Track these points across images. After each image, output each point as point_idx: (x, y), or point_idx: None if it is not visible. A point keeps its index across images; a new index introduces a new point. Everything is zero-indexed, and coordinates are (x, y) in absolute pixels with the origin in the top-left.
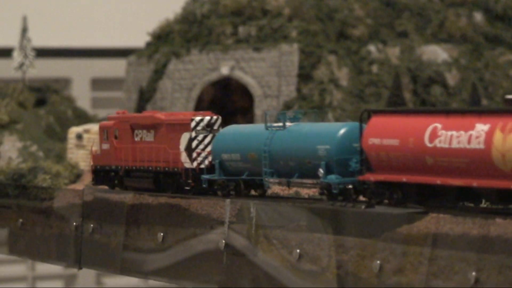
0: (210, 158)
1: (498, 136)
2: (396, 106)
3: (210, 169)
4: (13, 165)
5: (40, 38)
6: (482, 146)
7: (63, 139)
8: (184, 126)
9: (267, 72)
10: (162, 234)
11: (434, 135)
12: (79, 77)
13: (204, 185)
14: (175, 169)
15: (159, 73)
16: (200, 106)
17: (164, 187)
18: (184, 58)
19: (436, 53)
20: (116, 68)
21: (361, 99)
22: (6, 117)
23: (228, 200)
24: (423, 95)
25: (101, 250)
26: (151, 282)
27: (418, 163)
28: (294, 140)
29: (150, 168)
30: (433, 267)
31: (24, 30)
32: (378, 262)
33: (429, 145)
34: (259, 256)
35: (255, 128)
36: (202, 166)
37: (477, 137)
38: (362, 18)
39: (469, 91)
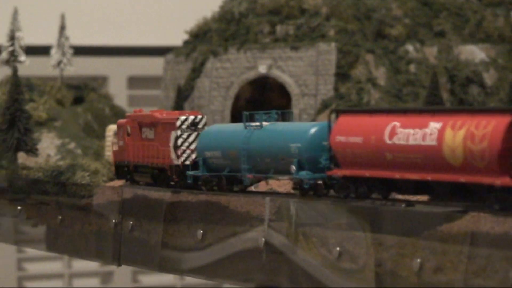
0: (194, 156)
1: (449, 133)
2: (433, 106)
3: (195, 165)
4: (51, 162)
5: (78, 36)
6: (434, 142)
7: (100, 136)
8: (173, 125)
9: (304, 71)
10: (201, 231)
11: (393, 133)
12: (116, 75)
13: (189, 181)
14: (164, 166)
15: (197, 71)
16: (237, 104)
17: (158, 183)
18: (222, 56)
19: (474, 53)
20: (152, 66)
21: (399, 98)
22: (45, 115)
23: (268, 198)
24: (460, 95)
25: (140, 247)
26: (188, 279)
27: (379, 159)
28: (269, 138)
29: (149, 164)
30: (473, 266)
31: (62, 28)
32: (419, 260)
33: (388, 142)
34: (298, 255)
35: (235, 127)
36: (187, 162)
37: (430, 134)
38: (399, 18)
39: (507, 91)
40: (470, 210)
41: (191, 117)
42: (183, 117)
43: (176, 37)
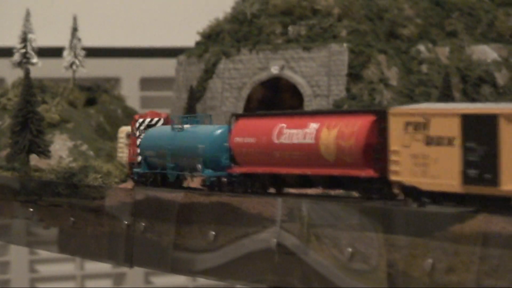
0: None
1: (324, 132)
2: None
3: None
4: (64, 164)
5: (90, 38)
6: (313, 141)
7: (113, 138)
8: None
9: (316, 71)
10: (213, 233)
11: (280, 134)
12: (129, 76)
13: (134, 177)
14: (133, 163)
15: (209, 72)
16: (250, 105)
17: None
18: (234, 57)
19: (486, 52)
20: (165, 67)
21: (411, 98)
22: (57, 116)
23: (280, 199)
24: (472, 94)
25: (152, 249)
26: (199, 281)
27: (269, 157)
28: (186, 139)
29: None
30: (484, 266)
31: (75, 30)
32: (430, 261)
33: (276, 141)
34: (310, 255)
35: (166, 129)
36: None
37: (310, 134)
38: (411, 18)
39: None
40: (482, 210)
41: (147, 119)
42: (140, 119)
43: (188, 38)
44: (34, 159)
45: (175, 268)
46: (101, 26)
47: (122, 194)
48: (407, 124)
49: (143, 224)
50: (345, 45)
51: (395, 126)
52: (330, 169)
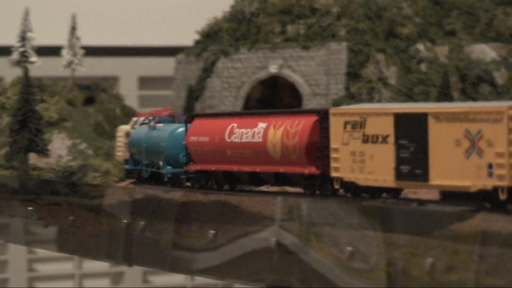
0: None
1: (271, 131)
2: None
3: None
4: (62, 162)
5: (89, 37)
6: (261, 139)
7: (111, 137)
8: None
9: (315, 70)
10: (213, 231)
11: (231, 133)
12: (127, 75)
13: (124, 173)
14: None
15: (208, 71)
16: (248, 104)
17: None
18: (233, 56)
19: (485, 51)
20: (163, 66)
21: (410, 97)
22: (56, 115)
23: (279, 198)
24: (471, 93)
25: (151, 248)
26: (198, 280)
27: (221, 155)
28: (153, 138)
29: None
30: (484, 265)
31: (73, 29)
32: (430, 260)
33: (228, 140)
34: (309, 254)
35: (146, 128)
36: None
37: (258, 133)
38: (410, 17)
39: None
40: (482, 209)
41: (142, 118)
42: (135, 118)
43: (187, 37)
44: (33, 158)
45: (174, 267)
46: (99, 25)
47: (121, 193)
48: (346, 123)
49: (142, 222)
50: (344, 44)
51: (335, 126)
52: (277, 166)
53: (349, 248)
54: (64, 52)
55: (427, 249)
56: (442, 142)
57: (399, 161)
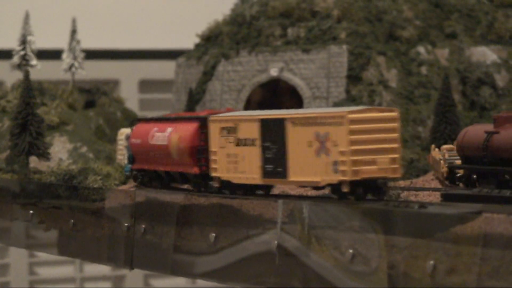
0: None
1: (173, 135)
2: (445, 108)
3: None
4: (63, 166)
5: (89, 40)
6: (166, 142)
7: (112, 140)
8: None
9: (316, 73)
10: (214, 235)
11: (152, 136)
12: (128, 78)
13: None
14: None
15: (208, 74)
16: (248, 107)
17: None
18: (233, 59)
19: (485, 54)
20: (163, 70)
21: (410, 100)
22: (56, 119)
23: (280, 201)
24: (472, 96)
25: (153, 251)
26: (199, 283)
27: (147, 156)
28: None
29: None
30: (486, 267)
31: (74, 32)
32: (432, 262)
33: (150, 143)
34: (311, 257)
35: None
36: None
37: (165, 137)
38: (411, 20)
39: None
40: (484, 211)
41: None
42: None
43: (187, 41)
44: (33, 161)
45: (175, 270)
46: (100, 28)
47: (122, 196)
48: (222, 129)
49: (143, 226)
50: (344, 47)
51: (213, 131)
52: (178, 167)
53: (350, 251)
54: (65, 55)
55: (429, 252)
56: (298, 143)
57: (264, 161)
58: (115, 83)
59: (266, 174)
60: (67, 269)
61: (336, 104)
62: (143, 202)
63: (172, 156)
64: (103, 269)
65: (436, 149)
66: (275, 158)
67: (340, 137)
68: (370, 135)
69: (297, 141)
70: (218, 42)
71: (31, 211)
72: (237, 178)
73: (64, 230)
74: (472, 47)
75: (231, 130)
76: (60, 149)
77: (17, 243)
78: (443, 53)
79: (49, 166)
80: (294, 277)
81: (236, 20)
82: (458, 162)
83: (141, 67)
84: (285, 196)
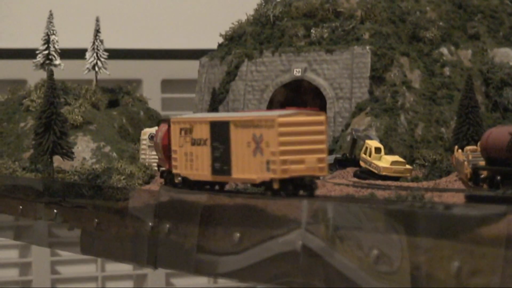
0: None
1: (159, 134)
2: (468, 109)
3: None
4: (87, 165)
5: (112, 40)
6: (158, 141)
7: (135, 140)
8: None
9: (339, 74)
10: (238, 234)
11: (156, 136)
12: (150, 78)
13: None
14: None
15: (231, 74)
16: (271, 107)
17: None
18: (257, 60)
19: (508, 55)
20: (185, 69)
21: (433, 101)
22: (80, 118)
23: (305, 201)
24: (495, 97)
25: (176, 251)
26: (221, 282)
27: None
28: None
29: None
30: (510, 269)
31: (97, 31)
32: (457, 263)
33: (157, 141)
34: (335, 258)
35: None
36: None
37: (160, 136)
38: (434, 21)
39: None
40: (509, 212)
41: None
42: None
43: (211, 40)
44: (57, 161)
45: (199, 270)
46: (123, 28)
47: (146, 196)
48: (181, 130)
49: (168, 225)
50: (367, 47)
51: (174, 131)
52: (165, 163)
53: (375, 252)
54: (88, 55)
55: (453, 253)
56: (239, 144)
57: (214, 159)
58: (137, 83)
59: (215, 171)
60: (88, 268)
61: (359, 105)
62: (167, 202)
63: (159, 154)
64: (124, 268)
65: (460, 150)
66: (222, 157)
67: (271, 139)
68: (299, 137)
69: (239, 141)
70: (241, 42)
71: (55, 210)
72: (192, 175)
73: (87, 229)
74: (495, 48)
75: (187, 131)
76: (84, 149)
77: (40, 241)
78: (466, 54)
79: (72, 166)
80: (318, 277)
81: (259, 20)
82: (482, 163)
83: (163, 67)
84: (309, 197)
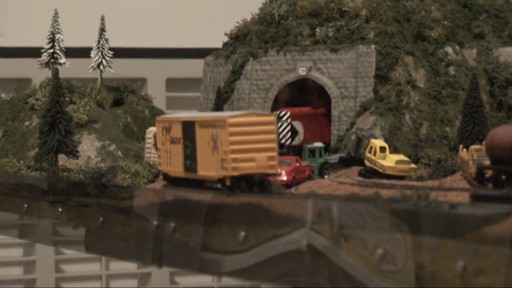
0: None
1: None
2: (473, 108)
3: None
4: (92, 164)
5: (117, 38)
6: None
7: (140, 138)
8: None
9: (344, 73)
10: (243, 233)
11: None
12: (155, 77)
13: None
14: None
15: (236, 73)
16: (276, 106)
17: None
18: (262, 58)
19: None
20: (191, 68)
21: (438, 100)
22: (85, 117)
23: (310, 200)
24: (500, 96)
25: (181, 249)
26: (225, 280)
27: None
28: None
29: None
30: None
31: (102, 30)
32: (461, 262)
33: None
34: (340, 256)
35: None
36: None
37: None
38: (439, 20)
39: None
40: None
41: None
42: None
43: (216, 39)
44: (62, 159)
45: (203, 268)
46: (128, 26)
47: (151, 194)
48: (163, 128)
49: (172, 224)
50: (372, 46)
51: (159, 130)
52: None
53: (380, 250)
54: (93, 53)
55: (458, 252)
56: (202, 143)
57: (185, 157)
58: (142, 81)
59: (186, 168)
60: (93, 267)
61: (363, 104)
62: (171, 201)
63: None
64: (129, 266)
65: (464, 150)
66: (191, 155)
67: (223, 138)
68: (249, 136)
69: (202, 141)
70: (246, 41)
71: (59, 209)
72: (171, 171)
73: (92, 227)
74: (500, 47)
75: (167, 130)
76: (89, 147)
77: (45, 240)
78: (471, 54)
79: (77, 164)
80: (322, 276)
81: (264, 19)
82: (487, 162)
83: (168, 66)
84: (314, 195)
